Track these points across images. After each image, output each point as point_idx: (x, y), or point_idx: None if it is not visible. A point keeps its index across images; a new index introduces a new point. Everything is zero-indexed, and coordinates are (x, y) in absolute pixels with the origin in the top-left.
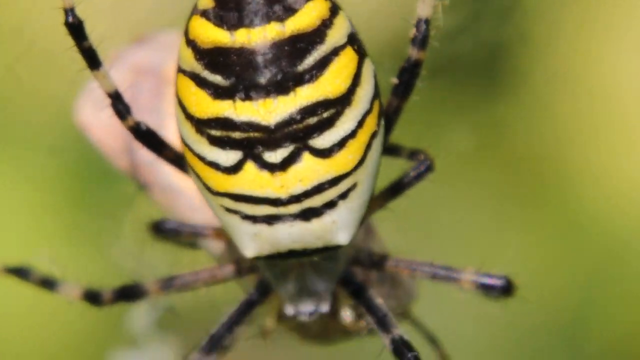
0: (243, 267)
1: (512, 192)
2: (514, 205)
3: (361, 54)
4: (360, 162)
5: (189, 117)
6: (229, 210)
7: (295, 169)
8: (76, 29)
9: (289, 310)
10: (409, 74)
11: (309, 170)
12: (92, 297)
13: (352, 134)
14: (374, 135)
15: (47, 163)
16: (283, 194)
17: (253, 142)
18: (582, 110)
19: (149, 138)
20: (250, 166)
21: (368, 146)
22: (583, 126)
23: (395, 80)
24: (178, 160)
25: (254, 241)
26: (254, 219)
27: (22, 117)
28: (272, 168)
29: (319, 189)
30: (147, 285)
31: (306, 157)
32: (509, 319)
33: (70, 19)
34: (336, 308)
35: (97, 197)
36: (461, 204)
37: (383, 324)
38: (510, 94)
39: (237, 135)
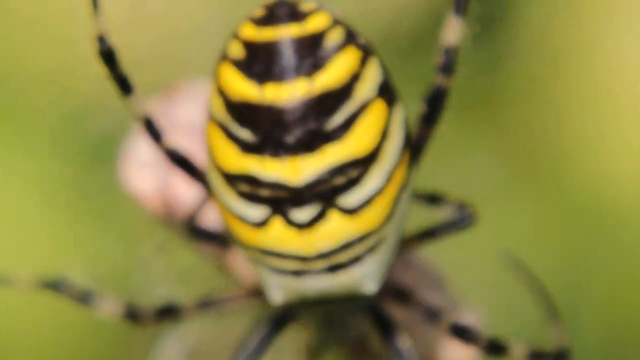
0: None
1: (506, 168)
2: (508, 180)
3: (391, 103)
4: (389, 217)
5: (218, 168)
6: (257, 261)
7: (322, 228)
8: (108, 57)
9: (312, 339)
10: (436, 103)
11: (336, 230)
12: (132, 315)
13: (380, 191)
14: (402, 188)
15: (48, 145)
16: (311, 252)
17: (280, 200)
18: (580, 87)
19: (184, 164)
20: (277, 223)
21: (396, 200)
22: (580, 104)
23: (423, 109)
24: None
25: (281, 291)
26: (281, 272)
27: (23, 96)
28: (299, 226)
29: (346, 246)
30: (186, 306)
31: (334, 216)
32: (502, 299)
33: (103, 48)
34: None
35: (100, 180)
36: (454, 179)
37: None
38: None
39: (264, 192)
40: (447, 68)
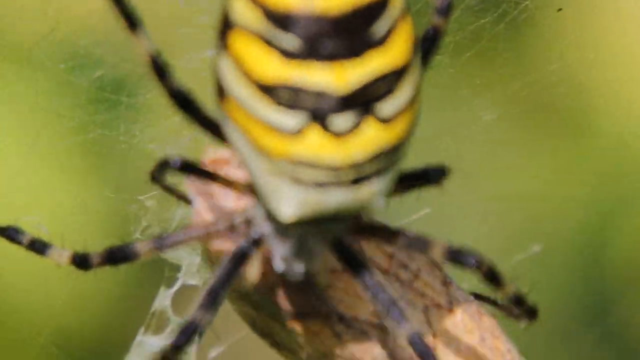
0: (238, 222)
1: (528, 141)
2: (531, 153)
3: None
4: (412, 128)
5: (251, 79)
6: (279, 173)
7: (359, 136)
8: None
9: (280, 267)
10: (432, 42)
11: (371, 139)
12: (80, 262)
13: (410, 101)
14: (420, 104)
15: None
16: (345, 161)
17: (321, 108)
18: (607, 72)
19: (186, 101)
20: (315, 132)
21: (418, 114)
22: (610, 87)
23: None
24: (211, 124)
25: (298, 206)
26: (305, 184)
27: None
28: (337, 134)
29: (377, 157)
30: (138, 246)
31: (371, 124)
32: (525, 238)
33: None
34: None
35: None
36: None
37: (393, 309)
38: (535, 64)
39: (306, 100)
40: (444, 10)
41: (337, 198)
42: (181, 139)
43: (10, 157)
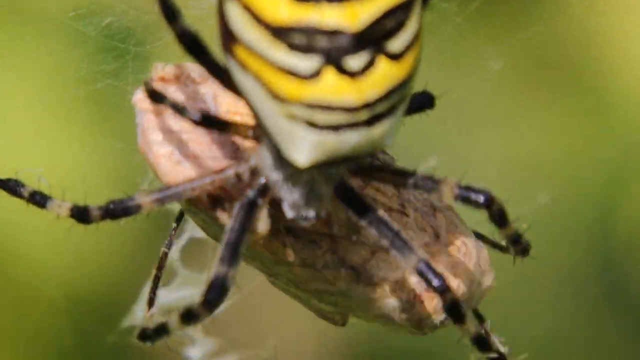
0: (243, 171)
1: (536, 91)
2: (539, 103)
3: None
4: (418, 63)
5: (263, 23)
6: (295, 118)
7: (373, 75)
8: None
9: (290, 213)
10: None
11: (384, 76)
12: (79, 215)
13: (416, 35)
14: (423, 37)
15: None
16: (359, 101)
17: (335, 48)
18: (617, 22)
19: (195, 45)
20: (330, 73)
21: (421, 47)
22: (620, 40)
23: None
24: (220, 71)
25: (313, 149)
26: (320, 127)
27: None
28: (352, 75)
29: (389, 94)
30: (139, 198)
31: (383, 61)
32: (532, 212)
33: None
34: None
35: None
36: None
37: (398, 242)
38: (542, 14)
39: (320, 41)
40: None
41: (352, 139)
42: None
43: (17, 108)
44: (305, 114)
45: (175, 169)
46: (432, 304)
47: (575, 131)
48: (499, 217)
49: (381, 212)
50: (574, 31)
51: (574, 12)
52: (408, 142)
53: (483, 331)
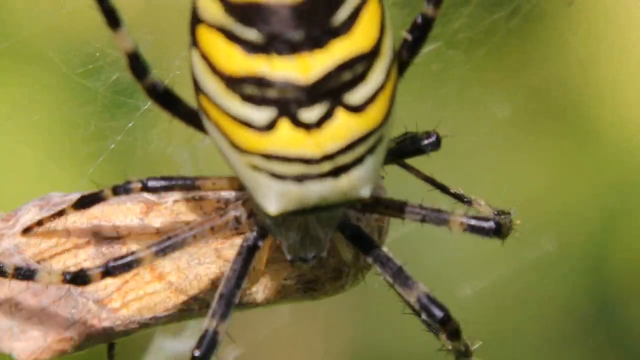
0: (240, 214)
1: (541, 137)
2: (543, 150)
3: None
4: (387, 114)
5: (218, 73)
6: (257, 168)
7: (330, 127)
8: None
9: (289, 256)
10: (422, 30)
11: (343, 128)
12: (75, 279)
13: (382, 87)
14: (395, 87)
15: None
16: (317, 153)
17: (288, 100)
18: (621, 67)
19: (166, 98)
20: (285, 125)
21: (392, 98)
22: (624, 84)
23: (407, 37)
24: (194, 119)
25: (280, 199)
26: (283, 177)
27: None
28: (307, 127)
29: (352, 145)
30: (140, 252)
31: (341, 114)
32: (528, 243)
33: None
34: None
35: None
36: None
37: (401, 278)
38: (548, 59)
39: (272, 93)
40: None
41: (317, 190)
42: (198, 142)
43: (28, 165)
44: (265, 164)
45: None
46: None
47: (576, 175)
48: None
49: (385, 249)
50: (577, 77)
51: (578, 57)
52: (415, 190)
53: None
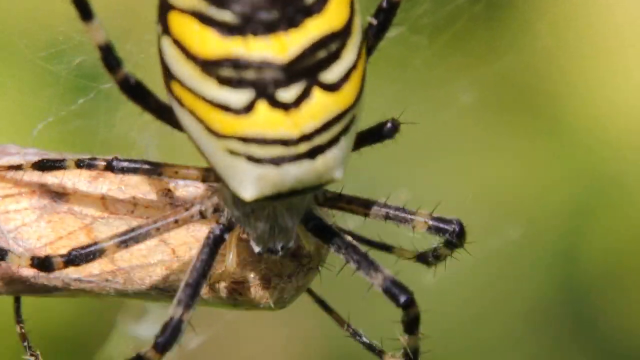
0: (206, 208)
1: (506, 125)
2: (509, 137)
3: None
4: (359, 93)
5: (192, 57)
6: (233, 153)
7: (307, 106)
8: None
9: (258, 248)
10: (387, 14)
11: (320, 106)
12: (42, 264)
13: (354, 65)
14: (366, 65)
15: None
16: (295, 133)
17: (266, 81)
18: (584, 53)
19: (137, 91)
20: (262, 106)
21: (364, 77)
22: (587, 70)
23: (372, 21)
24: (164, 112)
25: (257, 183)
26: (260, 161)
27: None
28: (285, 107)
29: (328, 125)
30: (102, 245)
31: (317, 93)
32: (493, 231)
33: None
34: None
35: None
36: (458, 146)
37: (365, 263)
38: (512, 45)
39: (249, 74)
40: None
41: (295, 172)
42: (159, 128)
43: None
44: (243, 148)
45: None
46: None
47: (543, 163)
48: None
49: (348, 237)
50: (543, 64)
51: (543, 45)
52: (377, 175)
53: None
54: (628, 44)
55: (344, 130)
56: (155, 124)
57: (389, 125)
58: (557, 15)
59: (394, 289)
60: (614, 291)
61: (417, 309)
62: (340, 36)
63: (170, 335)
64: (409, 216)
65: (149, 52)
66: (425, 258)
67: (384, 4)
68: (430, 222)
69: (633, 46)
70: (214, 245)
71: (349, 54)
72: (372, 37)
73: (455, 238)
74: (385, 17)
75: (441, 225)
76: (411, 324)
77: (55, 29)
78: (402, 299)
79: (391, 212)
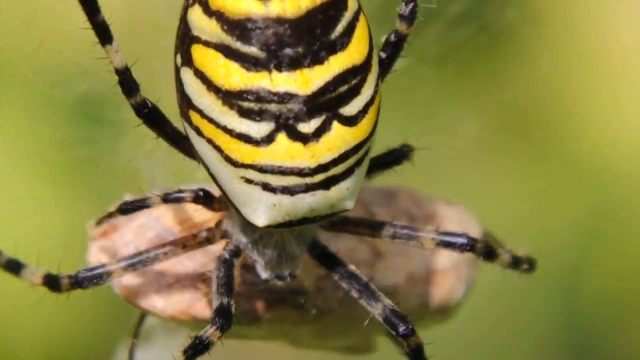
0: (214, 234)
1: (512, 150)
2: (513, 163)
3: (365, 15)
4: (375, 126)
5: (215, 89)
6: (249, 181)
7: (326, 139)
8: (88, 2)
9: (265, 275)
10: (394, 48)
11: (338, 139)
12: (52, 284)
13: (372, 100)
14: (381, 99)
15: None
16: (312, 164)
17: (287, 113)
18: (587, 84)
19: (153, 116)
20: (282, 137)
21: (379, 110)
22: (589, 102)
23: (381, 55)
24: (179, 139)
25: (270, 211)
26: (275, 190)
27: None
28: (304, 139)
29: (344, 157)
30: (110, 265)
31: (336, 126)
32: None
33: None
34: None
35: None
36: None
37: (367, 293)
38: (516, 76)
39: (271, 106)
40: (408, 17)
41: (308, 202)
42: (164, 155)
43: None
44: (260, 177)
45: None
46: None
47: (546, 191)
48: (488, 254)
49: (352, 267)
50: (545, 92)
51: (545, 73)
52: None
53: None
54: (630, 71)
55: (359, 162)
56: (160, 152)
57: (403, 150)
58: (559, 45)
59: (394, 319)
60: (618, 322)
61: (419, 339)
62: (361, 71)
63: (224, 316)
64: (417, 233)
65: (154, 80)
66: None
67: (392, 37)
68: (438, 238)
69: (635, 73)
70: (226, 266)
71: (368, 89)
72: (381, 70)
73: (466, 251)
74: (393, 50)
75: (449, 239)
76: (416, 354)
77: (61, 54)
78: (402, 328)
79: (398, 231)
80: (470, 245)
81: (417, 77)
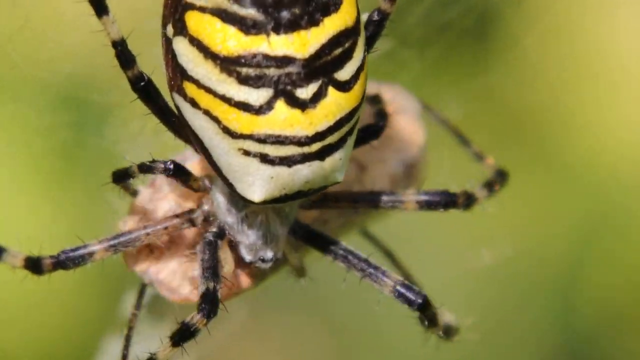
0: (197, 216)
1: (503, 152)
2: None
3: None
4: (364, 94)
5: (213, 56)
6: (247, 153)
7: (322, 105)
8: None
9: (248, 257)
10: (377, 26)
11: (333, 105)
12: (33, 266)
13: (362, 65)
14: (367, 67)
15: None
16: (310, 132)
17: (285, 78)
18: (573, 69)
19: (148, 90)
20: (281, 104)
21: (367, 77)
22: (575, 87)
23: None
24: (169, 116)
25: (267, 185)
26: (273, 161)
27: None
28: (302, 105)
29: (339, 124)
30: (92, 246)
31: (331, 91)
32: (499, 273)
33: None
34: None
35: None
36: (451, 166)
37: (370, 269)
38: (501, 60)
39: (270, 71)
40: None
41: (305, 173)
42: (149, 139)
43: None
44: (258, 148)
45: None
46: None
47: (540, 198)
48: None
49: (344, 243)
50: (534, 77)
51: (532, 60)
52: None
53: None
54: (619, 59)
55: (351, 130)
56: (145, 135)
57: (379, 124)
58: (545, 28)
59: (408, 293)
60: (614, 331)
61: (433, 308)
62: (352, 34)
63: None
64: (400, 197)
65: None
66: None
67: (375, 16)
68: (420, 198)
69: (623, 63)
70: (210, 249)
71: (359, 53)
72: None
73: (450, 207)
74: (375, 29)
75: (432, 197)
76: (431, 319)
77: (47, 35)
78: (418, 301)
79: (380, 197)
80: (452, 201)
81: (401, 62)
